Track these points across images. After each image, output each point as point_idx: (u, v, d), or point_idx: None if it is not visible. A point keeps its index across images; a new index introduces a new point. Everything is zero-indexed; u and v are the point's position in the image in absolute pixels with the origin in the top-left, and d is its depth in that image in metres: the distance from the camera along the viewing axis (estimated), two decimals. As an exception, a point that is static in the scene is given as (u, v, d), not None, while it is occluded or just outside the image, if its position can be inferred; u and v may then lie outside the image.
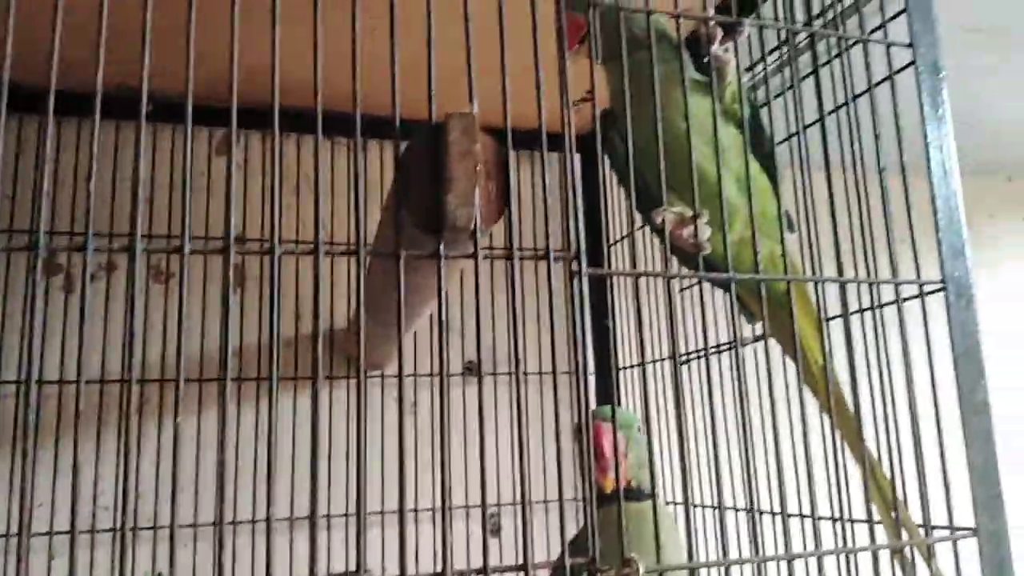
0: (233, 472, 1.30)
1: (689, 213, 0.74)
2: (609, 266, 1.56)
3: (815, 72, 0.76)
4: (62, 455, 1.27)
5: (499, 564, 0.51)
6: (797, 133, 0.78)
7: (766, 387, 0.65)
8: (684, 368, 1.26)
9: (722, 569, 0.60)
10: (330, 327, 1.46)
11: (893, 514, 0.75)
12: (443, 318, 0.52)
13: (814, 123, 0.77)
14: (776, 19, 0.92)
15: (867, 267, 0.77)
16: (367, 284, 0.84)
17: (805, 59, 0.84)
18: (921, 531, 0.70)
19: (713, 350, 1.09)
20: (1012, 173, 2.20)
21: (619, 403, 1.52)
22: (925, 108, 0.73)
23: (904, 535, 0.75)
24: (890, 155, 0.73)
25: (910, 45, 0.74)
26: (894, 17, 0.76)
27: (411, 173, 0.56)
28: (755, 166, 0.83)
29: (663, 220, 0.65)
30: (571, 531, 0.91)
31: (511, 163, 0.58)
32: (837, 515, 0.69)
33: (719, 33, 0.79)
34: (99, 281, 1.37)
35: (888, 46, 0.74)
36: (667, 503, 1.30)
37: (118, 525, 1.25)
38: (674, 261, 0.94)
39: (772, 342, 0.83)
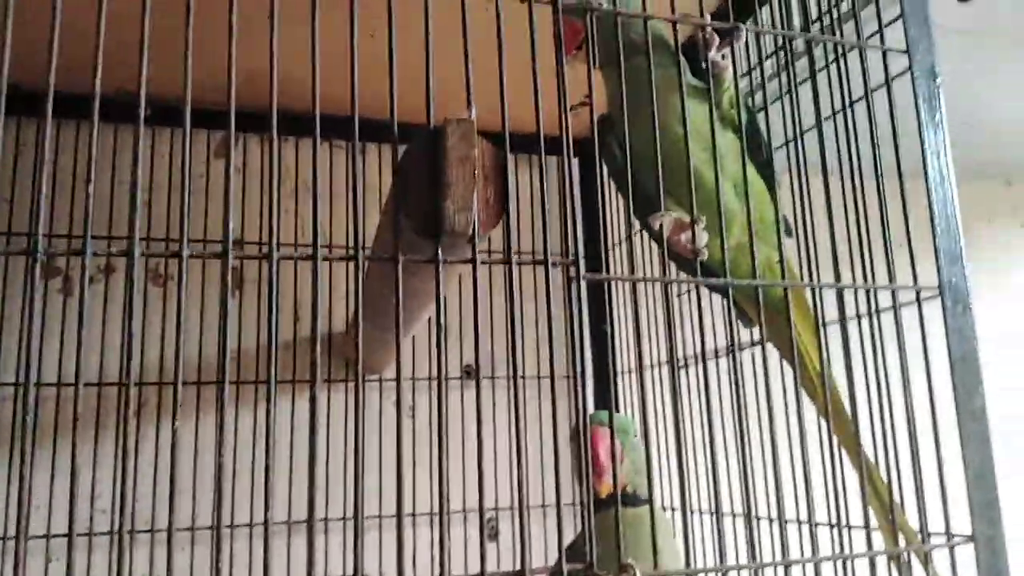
0: (231, 475, 1.30)
1: (687, 218, 0.74)
2: (608, 270, 1.57)
3: (812, 77, 0.76)
4: (59, 457, 1.27)
5: (497, 569, 0.51)
6: (795, 139, 0.78)
7: (764, 392, 0.65)
8: (682, 372, 1.27)
9: (720, 575, 0.60)
10: (328, 330, 1.46)
11: (890, 520, 0.75)
12: (441, 322, 0.52)
13: (811, 128, 0.77)
14: (773, 24, 0.93)
15: (864, 272, 0.77)
16: (365, 288, 0.84)
17: (802, 64, 0.85)
18: (918, 537, 0.70)
19: (711, 355, 1.09)
20: (1011, 177, 2.20)
21: (617, 408, 1.52)
22: (922, 114, 0.74)
23: (902, 541, 0.75)
24: (887, 160, 0.73)
25: (906, 51, 0.74)
26: (891, 23, 0.76)
27: (410, 178, 0.56)
28: (752, 172, 0.84)
29: (661, 225, 0.65)
30: (569, 536, 0.91)
31: (509, 167, 0.58)
32: (834, 521, 0.69)
33: (716, 39, 0.79)
34: (97, 283, 1.37)
35: (884, 52, 0.74)
36: (664, 509, 1.30)
37: (116, 528, 1.25)
38: (672, 266, 0.94)
39: (770, 347, 0.83)
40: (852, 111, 0.80)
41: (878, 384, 0.74)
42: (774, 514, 0.64)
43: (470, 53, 0.55)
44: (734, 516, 0.98)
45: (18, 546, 0.43)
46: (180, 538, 1.28)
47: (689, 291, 1.07)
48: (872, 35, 0.77)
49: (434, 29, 0.55)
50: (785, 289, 0.68)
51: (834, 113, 0.81)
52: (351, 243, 0.52)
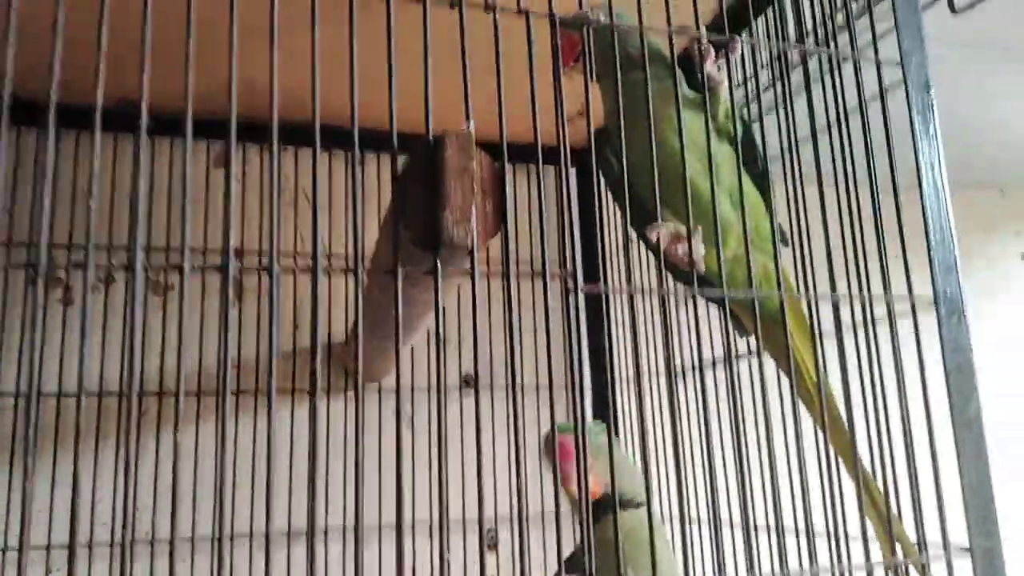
0: (231, 485, 1.30)
1: (683, 230, 0.75)
2: (605, 277, 1.57)
3: (807, 89, 0.77)
4: (60, 467, 1.27)
5: (495, 578, 0.52)
6: (790, 150, 0.79)
7: (760, 402, 0.66)
8: (680, 382, 1.27)
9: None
10: (328, 339, 1.46)
11: (888, 531, 0.75)
12: (441, 334, 0.53)
13: (806, 140, 0.78)
14: (769, 36, 0.93)
15: (860, 283, 0.78)
16: (365, 297, 0.84)
17: (798, 74, 0.85)
18: (916, 548, 0.71)
19: (708, 364, 1.09)
20: (1005, 186, 2.21)
21: (616, 416, 1.52)
22: (916, 125, 0.74)
23: (899, 551, 0.75)
24: (882, 170, 0.74)
25: (900, 63, 0.75)
26: (884, 35, 0.77)
27: (409, 190, 0.56)
28: (748, 183, 0.84)
29: (658, 237, 0.66)
30: (568, 545, 0.91)
31: (508, 179, 0.59)
32: (832, 532, 0.69)
33: (712, 52, 0.80)
34: (97, 293, 1.38)
35: (879, 64, 0.75)
36: (662, 518, 1.30)
37: (118, 539, 1.25)
38: (669, 277, 0.95)
39: (767, 357, 0.83)
40: (847, 122, 0.80)
41: (874, 394, 0.74)
42: (772, 524, 0.64)
43: (468, 65, 0.56)
44: (732, 526, 0.98)
45: (21, 557, 0.43)
46: (180, 548, 1.28)
47: (686, 301, 1.07)
48: (866, 47, 0.78)
49: (433, 41, 0.56)
50: (781, 299, 0.69)
51: (829, 124, 0.81)
52: (351, 253, 0.52)
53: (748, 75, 1.04)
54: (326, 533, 1.36)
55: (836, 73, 0.81)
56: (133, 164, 1.36)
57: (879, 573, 0.73)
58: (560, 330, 1.53)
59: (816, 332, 0.74)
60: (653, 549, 0.59)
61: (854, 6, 0.81)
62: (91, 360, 1.32)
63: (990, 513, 0.71)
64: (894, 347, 0.72)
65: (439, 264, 0.54)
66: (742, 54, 0.85)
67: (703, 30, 0.69)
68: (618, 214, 1.45)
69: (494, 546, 1.50)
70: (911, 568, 0.75)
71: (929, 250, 0.73)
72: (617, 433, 1.52)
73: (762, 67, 0.97)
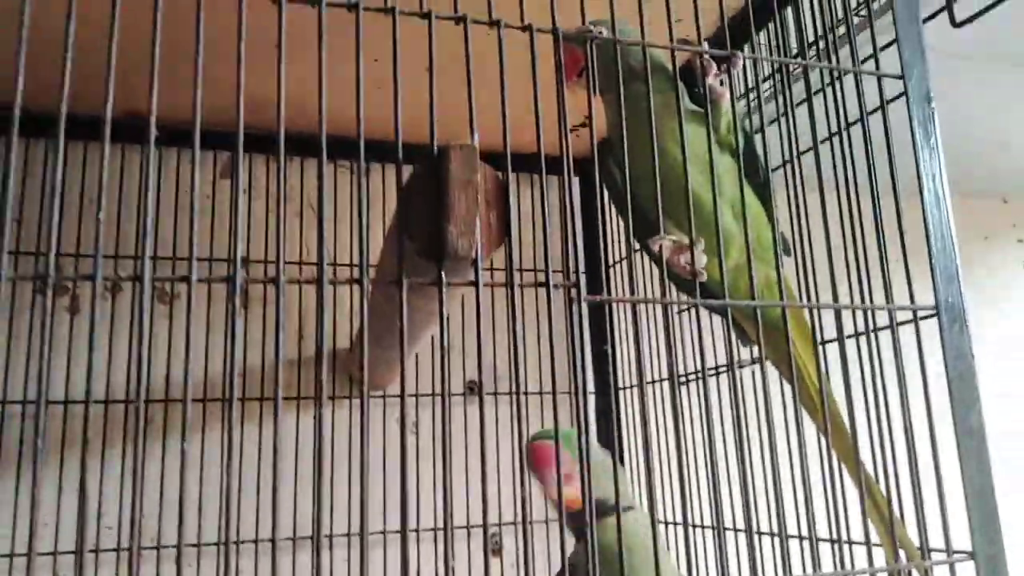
0: (237, 492, 1.31)
1: (686, 241, 0.75)
2: (609, 286, 1.58)
3: (809, 101, 0.77)
4: (67, 474, 1.28)
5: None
6: (791, 160, 0.79)
7: (763, 409, 0.66)
8: (683, 389, 1.28)
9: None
10: (333, 347, 1.47)
11: (891, 535, 0.75)
12: (445, 344, 0.53)
13: (807, 151, 0.79)
14: (771, 48, 0.94)
15: (862, 292, 0.78)
16: (370, 306, 0.85)
17: (800, 85, 0.86)
18: (919, 554, 0.71)
19: (711, 371, 1.10)
20: (1007, 195, 2.22)
21: (619, 423, 1.53)
22: (917, 137, 0.75)
23: (903, 556, 0.76)
24: (883, 180, 0.74)
25: (901, 76, 0.75)
26: (885, 47, 0.77)
27: (413, 202, 0.57)
28: (750, 194, 0.85)
29: (660, 248, 0.66)
30: (570, 549, 0.91)
31: (511, 189, 0.59)
32: (835, 537, 0.69)
33: (713, 65, 0.80)
34: (104, 301, 1.39)
35: (880, 77, 0.76)
36: (666, 523, 1.30)
37: (124, 545, 1.26)
38: (672, 287, 0.95)
39: (769, 365, 0.84)
40: (848, 133, 0.81)
41: (876, 402, 0.75)
42: (775, 529, 0.65)
43: (472, 80, 0.57)
44: (736, 531, 0.99)
45: (29, 563, 0.44)
46: (187, 554, 1.29)
47: (689, 309, 1.08)
48: (867, 59, 0.78)
49: (437, 54, 0.56)
50: (783, 309, 0.69)
51: (830, 135, 0.82)
52: (355, 261, 0.53)
53: (750, 86, 1.05)
54: (331, 539, 1.36)
55: (837, 86, 0.82)
56: (141, 175, 1.37)
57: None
58: (563, 338, 1.54)
59: (818, 341, 0.75)
60: (656, 553, 0.60)
61: (855, 19, 0.82)
62: (97, 367, 1.33)
63: (993, 518, 0.71)
64: (896, 355, 0.72)
65: (443, 275, 0.54)
66: (744, 66, 0.86)
67: (705, 44, 0.70)
68: (621, 223, 1.46)
69: (498, 551, 1.50)
70: (914, 573, 0.75)
71: (931, 259, 0.74)
72: (621, 440, 1.53)
73: (764, 79, 0.98)
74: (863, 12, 0.87)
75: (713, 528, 0.65)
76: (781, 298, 0.71)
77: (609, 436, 1.52)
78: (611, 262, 1.57)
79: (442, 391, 0.52)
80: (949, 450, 0.70)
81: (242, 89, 0.52)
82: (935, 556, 0.70)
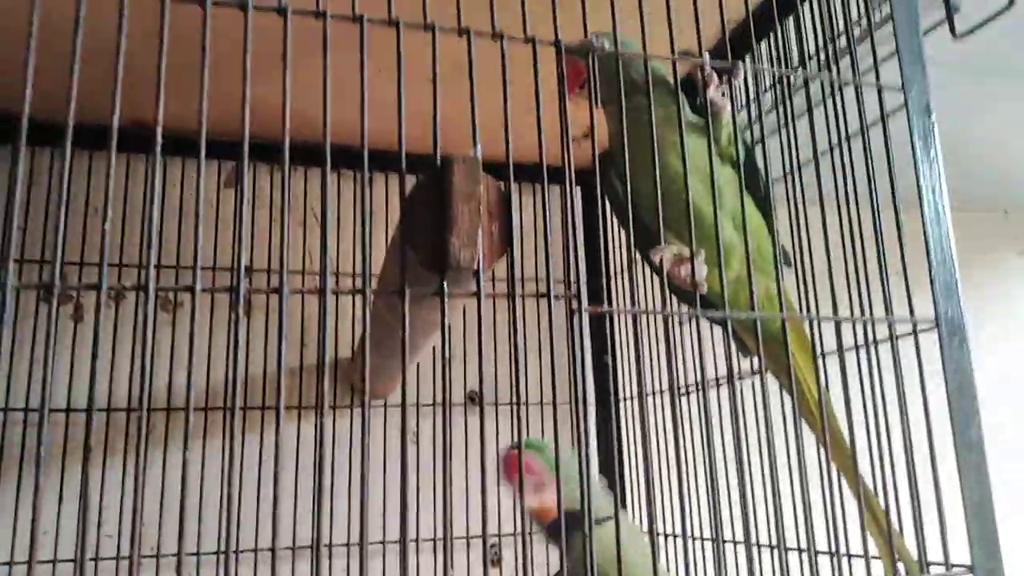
0: (237, 501, 1.31)
1: (687, 252, 0.76)
2: (610, 296, 1.58)
3: (809, 113, 0.78)
4: (68, 482, 1.28)
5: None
6: (791, 172, 0.80)
7: (764, 421, 0.66)
8: (683, 400, 1.28)
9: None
10: (335, 355, 1.47)
11: (889, 547, 0.75)
12: (446, 354, 0.54)
13: (808, 163, 0.79)
14: (772, 59, 0.95)
15: (861, 304, 0.78)
16: (372, 316, 0.85)
17: (800, 97, 0.86)
18: (918, 566, 0.71)
19: (711, 383, 1.10)
20: (1008, 207, 2.23)
21: (619, 433, 1.53)
22: (917, 150, 0.75)
23: (901, 570, 0.76)
24: (883, 192, 0.75)
25: (901, 88, 0.76)
26: (886, 59, 0.78)
27: (416, 213, 0.57)
28: (751, 206, 0.85)
29: (661, 259, 0.67)
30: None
31: (513, 196, 0.60)
32: (834, 550, 0.69)
33: (715, 77, 0.81)
34: (108, 309, 1.39)
35: (880, 90, 0.76)
36: (665, 535, 1.30)
37: (126, 554, 1.25)
38: (672, 298, 0.95)
39: (769, 376, 0.84)
40: (849, 145, 0.81)
41: (875, 414, 0.75)
42: (774, 542, 0.65)
43: (475, 93, 0.57)
44: (735, 544, 0.99)
45: (30, 572, 0.44)
46: (187, 563, 1.28)
47: (690, 320, 1.08)
48: (868, 71, 0.79)
49: (441, 63, 0.57)
50: (783, 321, 0.69)
51: (831, 147, 0.82)
52: (358, 270, 0.53)
53: (752, 97, 1.05)
54: (331, 549, 1.36)
55: (838, 97, 0.82)
56: (146, 185, 1.37)
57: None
58: (564, 348, 1.54)
59: (818, 353, 0.75)
60: (655, 557, 0.59)
61: (856, 30, 0.82)
62: (100, 374, 1.33)
63: (992, 532, 0.71)
64: (896, 368, 0.72)
65: (445, 286, 0.54)
66: (744, 78, 0.86)
67: (706, 56, 0.70)
68: (623, 234, 1.46)
69: (497, 562, 1.50)
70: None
71: (930, 272, 0.74)
72: (621, 451, 1.52)
73: (764, 91, 0.99)
74: (864, 24, 0.88)
75: (712, 539, 0.65)
76: (781, 310, 0.71)
77: (609, 447, 1.52)
78: (612, 272, 1.58)
79: (443, 401, 0.52)
80: (948, 463, 0.71)
81: (247, 100, 0.52)
82: (934, 570, 0.70)
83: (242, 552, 1.31)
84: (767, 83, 1.08)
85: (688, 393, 1.28)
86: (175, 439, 1.33)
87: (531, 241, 1.51)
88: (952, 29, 0.95)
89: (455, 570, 1.40)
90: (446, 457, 0.53)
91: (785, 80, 0.80)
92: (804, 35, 0.93)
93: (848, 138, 0.81)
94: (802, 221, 0.83)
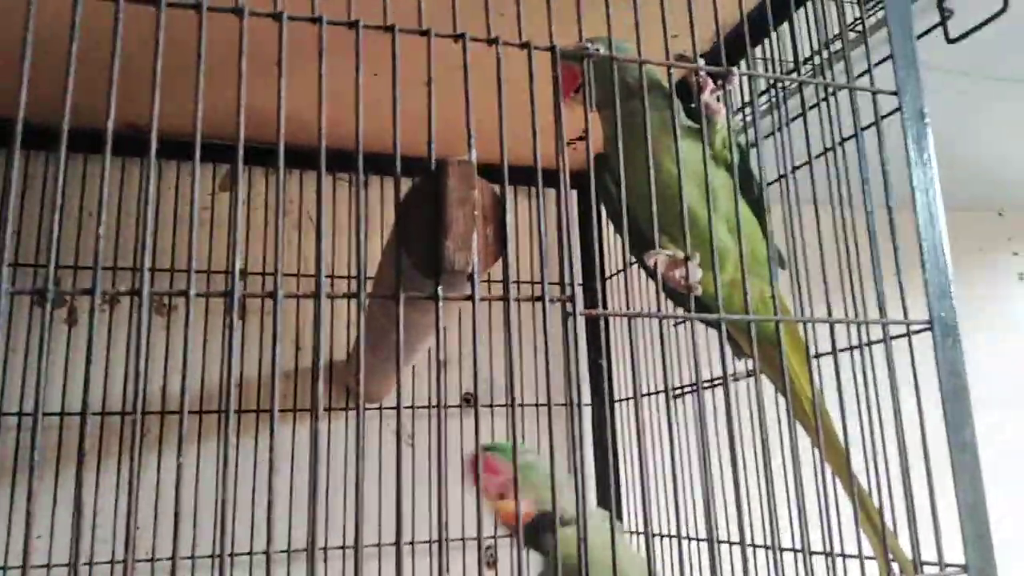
0: (232, 504, 1.30)
1: (681, 255, 0.76)
2: (605, 298, 1.58)
3: (803, 116, 0.78)
4: (62, 486, 1.27)
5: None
6: (785, 175, 0.80)
7: (758, 421, 0.67)
8: (679, 401, 1.28)
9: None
10: (330, 358, 1.47)
11: (883, 546, 0.76)
12: (441, 358, 0.54)
13: (802, 165, 0.79)
14: (766, 63, 0.95)
15: (855, 306, 0.79)
16: (367, 319, 0.85)
17: (795, 100, 0.87)
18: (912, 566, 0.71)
19: (706, 384, 1.10)
20: (1002, 207, 2.24)
21: (614, 434, 1.53)
22: (911, 153, 0.76)
23: (896, 570, 0.76)
24: (877, 194, 0.75)
25: (895, 92, 0.76)
26: (879, 64, 0.78)
27: (411, 217, 0.57)
28: (745, 209, 0.85)
29: (656, 262, 0.67)
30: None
31: (508, 199, 0.60)
32: (828, 550, 0.70)
33: (709, 82, 0.81)
34: (101, 313, 1.39)
35: (874, 94, 0.76)
36: (661, 536, 1.30)
37: (120, 558, 1.25)
38: (667, 301, 0.96)
39: (763, 376, 0.84)
40: (843, 149, 0.82)
41: (869, 415, 0.75)
42: (769, 542, 0.65)
43: (470, 97, 0.57)
44: (730, 544, 0.99)
45: (26, 577, 0.44)
46: (181, 567, 1.28)
47: (684, 322, 1.08)
48: (862, 74, 0.79)
49: (436, 70, 0.57)
50: (777, 323, 0.70)
51: (825, 150, 0.83)
52: (354, 273, 0.53)
53: (746, 100, 1.05)
54: (326, 552, 1.36)
55: (832, 102, 0.82)
56: (141, 188, 1.37)
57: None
58: (560, 349, 1.54)
59: (812, 354, 0.75)
60: (615, 560, 0.59)
61: (851, 35, 0.83)
62: (95, 380, 1.33)
63: (985, 532, 0.72)
64: (889, 370, 0.72)
65: (440, 289, 0.55)
66: (739, 81, 0.87)
67: (701, 61, 0.70)
68: (618, 237, 1.46)
69: (493, 564, 1.50)
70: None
71: (924, 274, 0.74)
72: (616, 452, 1.53)
73: (759, 94, 0.99)
74: (858, 28, 0.88)
75: (707, 540, 0.65)
76: (775, 312, 0.71)
77: (604, 448, 1.52)
78: (608, 274, 1.58)
79: (438, 404, 0.52)
80: (942, 463, 0.71)
81: (243, 103, 0.52)
82: (928, 570, 0.70)
83: (238, 555, 1.30)
84: (761, 87, 1.08)
85: (683, 395, 1.28)
86: (170, 443, 1.33)
87: (527, 243, 1.52)
88: (946, 33, 0.96)
89: (451, 573, 1.40)
90: (441, 459, 0.53)
91: (780, 85, 0.81)
92: (799, 40, 0.93)
93: (843, 142, 0.82)
94: (796, 224, 0.83)
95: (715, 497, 0.64)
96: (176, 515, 0.48)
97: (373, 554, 1.37)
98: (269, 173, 1.50)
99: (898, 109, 0.76)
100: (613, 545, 0.56)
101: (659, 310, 0.64)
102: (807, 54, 0.93)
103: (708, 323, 0.85)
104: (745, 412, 0.77)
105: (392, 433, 1.45)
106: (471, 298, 0.55)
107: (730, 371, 0.69)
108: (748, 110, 1.04)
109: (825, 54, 0.87)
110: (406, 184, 0.58)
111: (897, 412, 0.71)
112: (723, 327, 0.65)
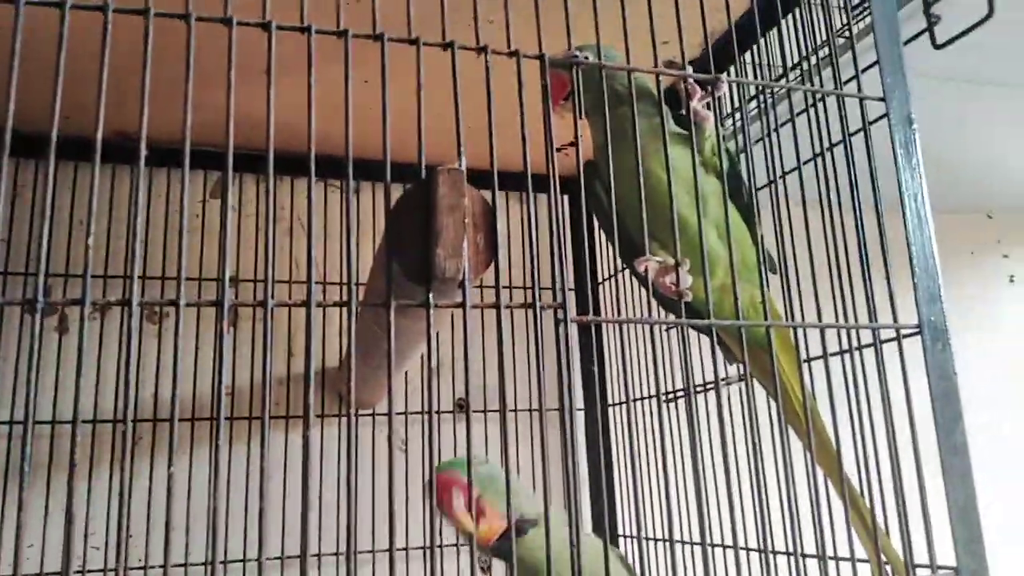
0: (224, 511, 1.30)
1: (671, 261, 0.76)
2: (598, 303, 1.58)
3: (792, 122, 0.79)
4: (54, 494, 1.27)
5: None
6: (774, 181, 0.81)
7: (750, 425, 0.67)
8: (672, 405, 1.28)
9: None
10: (322, 365, 1.47)
11: (878, 550, 0.76)
12: (432, 365, 0.54)
13: (791, 171, 0.80)
14: (756, 69, 0.95)
15: (846, 310, 0.79)
16: (358, 326, 0.85)
17: (783, 107, 0.87)
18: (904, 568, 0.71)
19: (698, 388, 1.10)
20: (992, 210, 2.26)
21: (608, 438, 1.53)
22: (899, 158, 0.76)
23: (888, 572, 0.76)
24: (867, 198, 0.75)
25: (882, 99, 0.76)
26: (866, 69, 0.79)
27: (401, 225, 0.58)
28: (735, 215, 0.86)
29: (646, 268, 0.67)
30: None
31: (501, 206, 0.60)
32: (821, 553, 0.70)
33: (697, 89, 0.82)
34: (93, 321, 1.38)
35: (862, 100, 0.77)
36: (656, 540, 1.30)
37: (112, 566, 1.25)
38: (659, 307, 0.96)
39: (755, 381, 0.84)
40: (832, 154, 0.82)
41: (860, 419, 0.75)
42: (761, 545, 0.65)
43: (460, 105, 0.57)
44: (723, 548, 0.99)
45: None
46: (173, 574, 1.28)
47: (678, 329, 1.08)
48: (849, 80, 0.79)
49: (426, 72, 0.57)
50: (767, 328, 0.70)
51: (814, 156, 0.83)
52: (345, 280, 0.53)
53: (735, 106, 1.06)
54: (320, 559, 1.36)
55: (820, 108, 0.83)
56: (131, 195, 1.37)
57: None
58: (553, 354, 1.54)
59: (803, 359, 0.75)
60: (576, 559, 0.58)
61: (839, 41, 0.83)
62: (86, 388, 1.33)
63: (977, 534, 0.72)
64: (880, 374, 0.73)
65: (431, 297, 0.55)
66: (729, 88, 0.87)
67: (689, 68, 0.71)
68: (609, 243, 1.47)
69: (487, 569, 1.50)
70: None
71: (913, 279, 0.75)
72: (609, 456, 1.53)
73: (748, 100, 0.99)
74: (846, 34, 0.89)
75: (700, 543, 0.65)
76: (765, 318, 0.72)
77: (597, 452, 1.52)
78: (600, 279, 1.58)
79: (428, 410, 0.53)
80: (933, 466, 0.71)
81: (232, 113, 0.52)
82: (920, 572, 0.70)
83: (230, 563, 1.30)
84: (750, 94, 1.09)
85: (676, 399, 1.29)
86: (162, 450, 1.33)
87: (520, 248, 1.52)
88: (932, 39, 0.96)
89: (444, 578, 1.40)
90: (432, 465, 0.53)
91: (768, 92, 0.81)
92: (787, 45, 0.93)
93: (832, 147, 0.82)
94: (786, 229, 0.84)
95: (708, 501, 0.64)
96: (167, 523, 0.48)
97: (367, 560, 1.37)
98: (260, 180, 1.49)
99: (885, 115, 0.77)
100: (573, 546, 0.55)
101: (650, 316, 0.64)
102: (795, 60, 0.93)
103: (699, 329, 0.85)
104: (737, 416, 0.77)
105: (386, 438, 1.44)
106: (462, 306, 0.55)
107: (722, 376, 0.69)
108: (737, 116, 1.04)
109: (813, 60, 0.88)
110: (397, 191, 0.58)
111: (888, 415, 0.72)
112: (714, 332, 0.66)
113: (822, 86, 0.84)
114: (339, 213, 1.50)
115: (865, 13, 0.95)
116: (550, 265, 1.56)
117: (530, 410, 1.51)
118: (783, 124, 0.82)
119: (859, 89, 0.77)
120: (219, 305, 0.50)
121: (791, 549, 0.66)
